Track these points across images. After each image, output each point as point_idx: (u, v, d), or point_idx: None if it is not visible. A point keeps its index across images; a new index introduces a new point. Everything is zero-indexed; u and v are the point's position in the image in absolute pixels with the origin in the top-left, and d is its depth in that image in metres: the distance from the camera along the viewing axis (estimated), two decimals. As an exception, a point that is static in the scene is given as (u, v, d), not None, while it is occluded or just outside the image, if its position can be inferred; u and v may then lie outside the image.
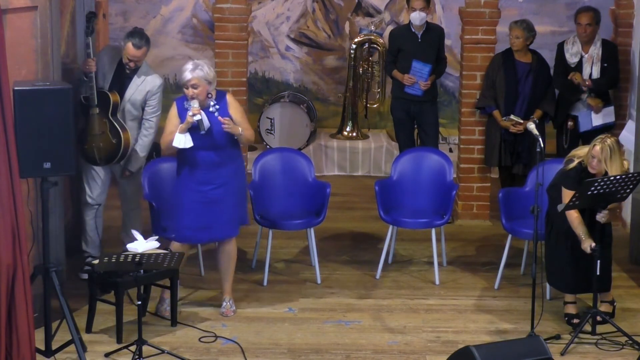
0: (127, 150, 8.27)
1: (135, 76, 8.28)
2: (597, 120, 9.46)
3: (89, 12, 8.33)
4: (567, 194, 7.45)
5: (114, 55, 8.34)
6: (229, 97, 7.72)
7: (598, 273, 7.41)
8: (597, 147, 7.37)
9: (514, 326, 7.73)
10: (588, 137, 9.44)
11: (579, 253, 7.57)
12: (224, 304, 7.93)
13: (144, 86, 8.30)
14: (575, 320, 7.74)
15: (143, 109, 8.34)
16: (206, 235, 7.78)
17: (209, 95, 7.58)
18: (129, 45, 8.18)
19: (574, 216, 7.48)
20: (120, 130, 8.20)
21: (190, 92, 7.51)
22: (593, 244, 7.38)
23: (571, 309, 7.81)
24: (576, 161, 7.52)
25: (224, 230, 7.76)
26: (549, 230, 7.72)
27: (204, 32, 12.17)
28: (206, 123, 7.55)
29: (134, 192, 8.52)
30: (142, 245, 7.43)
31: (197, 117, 7.49)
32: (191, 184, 7.65)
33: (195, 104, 7.51)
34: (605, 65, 9.46)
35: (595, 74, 9.43)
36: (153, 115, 8.37)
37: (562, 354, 7.23)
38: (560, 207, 7.37)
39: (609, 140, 7.38)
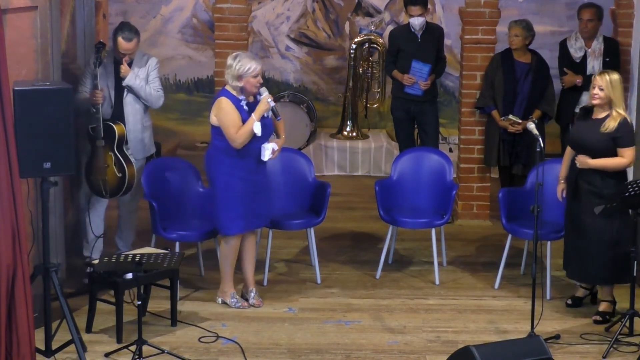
0: (132, 184, 8.25)
1: (133, 67, 8.26)
2: None
3: (98, 42, 8.21)
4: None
5: (108, 58, 8.30)
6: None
7: (635, 274, 7.43)
8: (598, 77, 7.56)
9: (514, 326, 7.73)
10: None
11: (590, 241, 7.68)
12: (252, 294, 8.01)
13: (143, 69, 8.29)
14: (569, 302, 8.02)
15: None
16: (255, 222, 7.94)
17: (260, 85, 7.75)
18: (120, 40, 8.15)
19: (566, 155, 7.84)
20: (125, 164, 8.16)
21: (259, 80, 7.63)
22: (564, 193, 7.74)
23: (580, 293, 8.03)
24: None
25: (268, 218, 8.03)
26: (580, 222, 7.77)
27: (204, 32, 12.18)
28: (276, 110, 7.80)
29: (133, 195, 8.52)
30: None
31: (273, 104, 7.68)
32: (242, 173, 7.72)
33: (265, 91, 7.69)
34: (607, 59, 9.52)
35: (598, 68, 9.47)
36: (156, 77, 8.37)
37: (604, 357, 7.22)
38: (597, 210, 7.36)
39: (611, 72, 7.61)
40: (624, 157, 7.51)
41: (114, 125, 8.16)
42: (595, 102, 7.57)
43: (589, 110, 7.71)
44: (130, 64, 8.27)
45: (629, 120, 7.59)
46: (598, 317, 7.79)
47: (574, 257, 7.74)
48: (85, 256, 8.46)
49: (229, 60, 7.65)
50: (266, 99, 7.67)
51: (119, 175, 8.15)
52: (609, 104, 7.52)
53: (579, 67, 9.52)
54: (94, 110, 8.07)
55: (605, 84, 7.48)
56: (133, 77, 8.23)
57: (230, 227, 7.81)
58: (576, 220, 7.67)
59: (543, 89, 9.58)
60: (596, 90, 7.53)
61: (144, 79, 8.29)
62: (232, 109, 7.62)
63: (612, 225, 7.56)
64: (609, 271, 7.67)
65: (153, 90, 8.33)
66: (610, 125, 7.49)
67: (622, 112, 7.51)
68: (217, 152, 7.72)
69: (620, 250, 7.59)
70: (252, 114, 7.64)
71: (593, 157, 7.56)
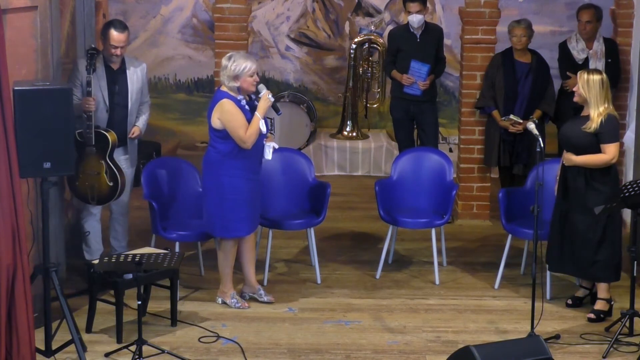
0: (122, 192, 8.15)
1: (127, 69, 8.23)
2: None
3: (91, 47, 8.07)
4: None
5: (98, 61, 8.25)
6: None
7: (635, 274, 7.46)
8: (578, 75, 7.63)
9: (514, 326, 7.73)
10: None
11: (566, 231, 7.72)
12: (262, 293, 8.06)
13: (137, 73, 8.27)
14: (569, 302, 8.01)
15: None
16: (257, 222, 8.00)
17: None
18: (112, 32, 8.05)
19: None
20: (117, 174, 8.02)
21: (255, 79, 7.65)
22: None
23: (580, 293, 8.01)
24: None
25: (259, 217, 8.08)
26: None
27: (204, 32, 12.18)
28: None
29: (125, 197, 8.51)
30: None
31: (272, 100, 7.72)
32: (248, 174, 7.74)
33: (264, 88, 7.71)
34: (609, 60, 9.53)
35: (601, 69, 9.47)
36: (148, 95, 8.42)
37: (604, 357, 7.22)
38: (597, 210, 7.38)
39: (594, 72, 7.61)
40: (606, 153, 7.54)
41: (106, 134, 8.02)
42: (575, 99, 7.68)
43: (580, 108, 7.78)
44: (122, 64, 8.23)
45: (614, 115, 7.60)
46: (592, 315, 7.79)
47: (558, 251, 7.78)
48: (86, 259, 8.43)
49: (224, 62, 7.65)
50: (266, 95, 7.68)
51: (110, 184, 8.03)
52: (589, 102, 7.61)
53: (582, 69, 9.50)
54: (85, 116, 7.93)
55: (582, 83, 7.55)
56: (143, 128, 8.35)
57: (240, 229, 7.80)
58: (564, 217, 7.73)
59: (543, 88, 9.58)
60: (575, 88, 7.63)
61: (139, 89, 8.28)
62: (237, 111, 7.61)
63: (599, 224, 7.60)
64: (595, 269, 7.71)
65: (147, 115, 8.40)
66: (592, 126, 7.54)
67: (602, 110, 7.52)
68: (221, 156, 7.67)
69: (607, 249, 7.65)
70: (256, 112, 7.66)
71: (578, 154, 7.60)
